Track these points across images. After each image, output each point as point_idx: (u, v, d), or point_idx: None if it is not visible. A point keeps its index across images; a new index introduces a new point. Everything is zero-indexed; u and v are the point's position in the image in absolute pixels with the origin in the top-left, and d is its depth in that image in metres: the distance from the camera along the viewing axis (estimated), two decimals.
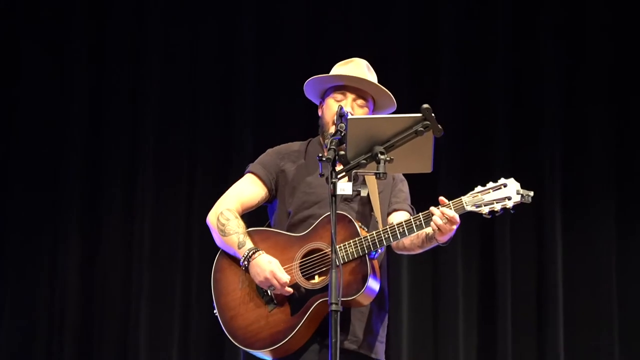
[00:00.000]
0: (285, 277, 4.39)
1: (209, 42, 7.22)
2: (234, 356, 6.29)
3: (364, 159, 4.03)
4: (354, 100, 4.57)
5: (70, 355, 6.82)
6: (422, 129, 4.01)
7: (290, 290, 4.41)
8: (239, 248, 4.51)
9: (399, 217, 4.48)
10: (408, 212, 4.57)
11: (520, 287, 6.58)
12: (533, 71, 6.97)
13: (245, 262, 4.47)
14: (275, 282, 4.36)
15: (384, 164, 3.96)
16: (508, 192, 4.29)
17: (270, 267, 4.42)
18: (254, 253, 4.47)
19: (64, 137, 7.21)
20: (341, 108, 4.41)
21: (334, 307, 3.82)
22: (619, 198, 6.68)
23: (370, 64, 4.76)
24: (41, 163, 7.23)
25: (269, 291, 4.47)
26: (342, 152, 4.02)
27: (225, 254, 4.61)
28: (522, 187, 4.25)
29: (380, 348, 4.54)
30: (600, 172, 6.69)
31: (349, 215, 4.41)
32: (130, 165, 7.06)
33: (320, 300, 4.27)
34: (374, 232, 4.34)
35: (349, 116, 4.30)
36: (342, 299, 4.06)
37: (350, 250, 4.34)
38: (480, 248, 6.70)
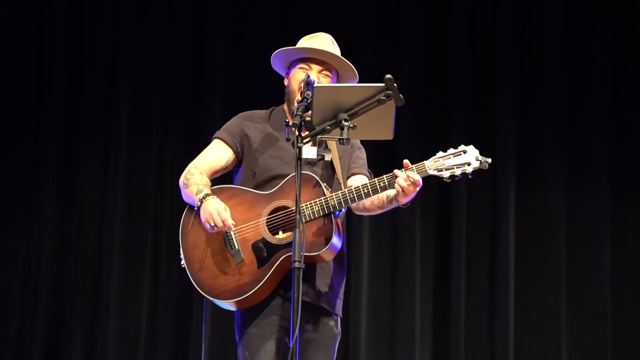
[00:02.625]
0: (227, 216, 4.48)
1: (182, 17, 7.18)
2: (200, 307, 6.22)
3: (328, 125, 4.11)
4: (319, 72, 4.65)
5: (45, 305, 6.85)
6: (384, 98, 4.09)
7: (232, 227, 4.48)
8: (196, 195, 4.58)
9: (357, 180, 4.59)
10: (366, 176, 4.63)
11: (474, 249, 6.65)
12: (489, 40, 6.98)
13: (199, 204, 4.54)
14: (217, 218, 4.44)
15: (348, 130, 4.03)
16: (468, 158, 4.39)
17: (216, 206, 4.51)
18: (205, 197, 4.55)
19: (42, 101, 7.15)
20: (308, 76, 4.47)
21: (297, 264, 3.91)
22: (570, 166, 6.72)
23: (335, 37, 4.81)
24: (21, 125, 7.20)
25: (235, 244, 4.52)
26: (307, 119, 4.11)
27: (189, 213, 4.67)
28: (480, 154, 4.33)
29: (338, 304, 4.65)
30: (553, 140, 6.73)
31: (315, 177, 4.50)
32: (105, 125, 7.06)
33: (285, 255, 4.35)
34: (339, 192, 4.42)
35: (316, 84, 4.37)
36: (308, 254, 4.24)
37: (317, 208, 4.43)
38: (438, 212, 6.76)
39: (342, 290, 4.73)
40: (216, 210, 4.47)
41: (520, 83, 6.91)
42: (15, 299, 6.95)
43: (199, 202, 4.52)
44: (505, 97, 6.85)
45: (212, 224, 4.45)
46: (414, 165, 4.33)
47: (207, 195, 4.54)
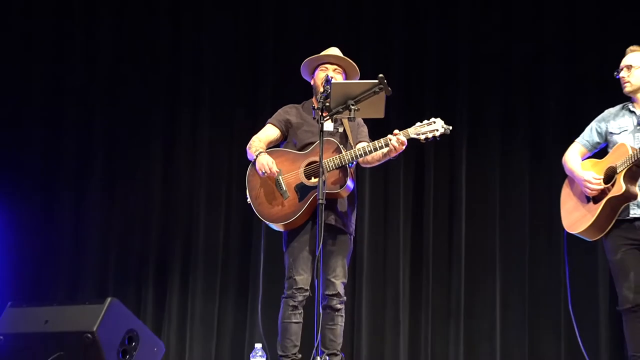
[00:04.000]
0: (272, 165, 5.09)
1: (228, 43, 7.67)
2: (259, 230, 6.82)
3: (341, 108, 4.75)
4: (333, 70, 5.30)
5: (157, 226, 7.47)
6: (378, 90, 4.71)
7: (276, 173, 5.08)
8: (254, 153, 5.22)
9: (363, 144, 5.14)
10: (368, 142, 5.21)
11: (439, 188, 7.26)
12: (450, 38, 7.47)
13: (255, 158, 5.17)
14: (266, 167, 5.07)
15: (353, 111, 4.68)
16: (437, 126, 5.09)
17: (265, 159, 5.12)
18: (260, 154, 5.17)
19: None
20: (327, 76, 5.18)
21: (320, 201, 4.53)
22: (502, 130, 7.32)
23: (345, 46, 5.57)
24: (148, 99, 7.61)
25: (283, 186, 5.11)
26: (327, 104, 4.73)
27: (252, 165, 5.25)
28: (445, 124, 5.10)
29: (351, 226, 5.28)
30: (491, 116, 7.34)
31: (336, 142, 5.11)
32: (195, 112, 7.62)
33: (316, 193, 4.76)
34: (351, 150, 5.06)
35: (332, 81, 4.94)
36: (330, 192, 4.97)
37: (337, 161, 5.04)
38: (415, 164, 7.34)
39: (354, 217, 5.32)
40: (265, 161, 5.11)
41: (471, 77, 7.37)
42: (137, 232, 7.52)
43: (255, 157, 5.18)
44: (460, 88, 7.38)
45: (263, 171, 5.09)
46: (401, 132, 5.03)
47: (260, 152, 5.18)
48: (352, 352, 6.94)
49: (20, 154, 7.51)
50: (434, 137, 5.10)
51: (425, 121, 5.13)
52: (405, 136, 5.03)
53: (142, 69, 7.76)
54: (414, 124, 5.12)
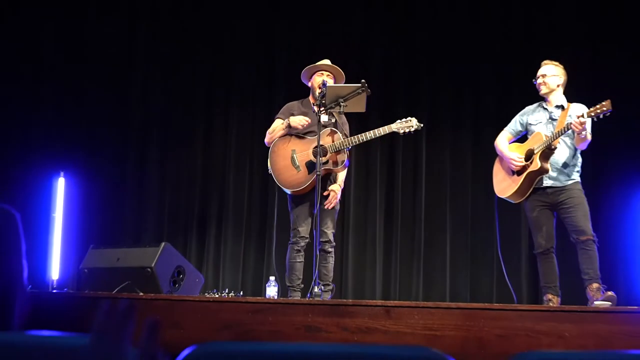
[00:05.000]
0: (303, 119, 5.17)
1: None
2: (274, 194, 6.08)
3: (333, 104, 4.96)
4: (327, 75, 5.34)
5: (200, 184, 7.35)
6: (360, 91, 4.92)
7: (309, 121, 5.15)
8: (282, 124, 5.26)
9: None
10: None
11: (406, 165, 7.18)
12: (407, 51, 7.29)
13: (287, 123, 5.20)
14: (302, 120, 5.17)
15: (343, 107, 4.94)
16: (412, 123, 5.19)
17: (298, 117, 5.24)
18: (289, 120, 5.24)
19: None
20: (324, 81, 5.27)
21: (319, 174, 4.85)
22: (452, 124, 7.23)
23: (339, 59, 5.61)
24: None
25: (296, 161, 5.13)
26: (323, 101, 4.96)
27: (274, 146, 5.25)
28: (418, 121, 5.21)
29: (340, 192, 5.31)
30: (445, 111, 7.24)
31: (337, 131, 5.13)
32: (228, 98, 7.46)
33: (323, 167, 4.96)
34: (348, 138, 5.13)
35: (327, 84, 5.14)
36: (333, 168, 5.12)
37: (338, 145, 5.11)
38: (390, 149, 7.24)
39: (342, 185, 5.39)
40: (299, 119, 5.21)
41: (430, 83, 7.26)
42: (183, 192, 7.40)
43: (287, 122, 5.20)
44: (422, 91, 7.27)
45: (302, 124, 5.15)
46: (385, 127, 5.14)
47: (287, 120, 5.23)
48: (341, 283, 6.90)
49: (93, 129, 7.26)
50: (409, 131, 5.16)
51: (404, 119, 5.18)
52: (389, 129, 5.13)
53: (191, 65, 7.57)
54: (395, 121, 5.20)
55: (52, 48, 7.23)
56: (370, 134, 5.07)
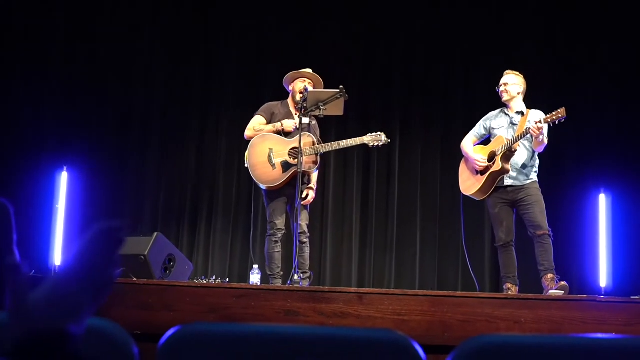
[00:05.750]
0: (293, 123, 5.15)
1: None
2: (250, 188, 6.38)
3: (313, 108, 4.98)
4: (307, 82, 5.32)
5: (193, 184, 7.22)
6: (338, 96, 4.98)
7: (297, 122, 5.04)
8: (274, 127, 5.20)
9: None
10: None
11: (380, 165, 7.11)
12: (382, 67, 7.22)
13: (280, 125, 5.17)
14: (293, 123, 5.12)
15: (322, 110, 4.96)
16: (381, 138, 5.24)
17: (289, 121, 5.19)
18: (281, 123, 5.19)
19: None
20: (305, 86, 5.24)
21: (300, 171, 4.88)
22: (424, 131, 7.18)
23: (320, 69, 5.54)
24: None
25: (273, 159, 5.10)
26: (304, 105, 5.00)
27: (253, 141, 5.19)
28: (386, 136, 5.24)
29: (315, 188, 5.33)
30: (416, 116, 7.20)
31: (312, 136, 5.11)
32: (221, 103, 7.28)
33: (296, 168, 5.00)
34: (323, 144, 5.18)
35: (309, 89, 5.17)
36: (308, 170, 5.11)
37: (314, 149, 5.10)
38: (364, 161, 7.22)
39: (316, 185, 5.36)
40: (291, 122, 5.17)
41: (401, 93, 7.23)
42: (177, 186, 7.23)
43: (281, 124, 5.17)
44: (394, 97, 7.24)
45: (295, 126, 5.09)
46: (357, 138, 5.20)
47: (281, 123, 5.20)
48: (320, 274, 6.82)
49: (94, 127, 7.15)
50: (378, 145, 5.21)
51: (375, 133, 5.22)
52: (361, 141, 5.18)
53: (193, 76, 7.47)
54: (366, 134, 5.24)
55: (56, 47, 7.15)
56: (343, 143, 5.11)
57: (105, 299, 1.10)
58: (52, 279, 1.07)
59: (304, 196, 5.06)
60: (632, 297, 4.29)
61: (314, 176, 5.32)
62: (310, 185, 5.22)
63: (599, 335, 1.35)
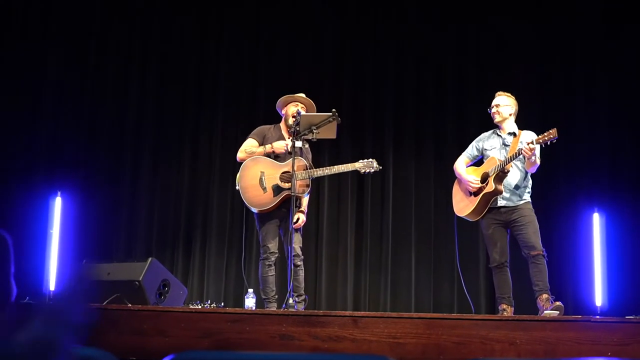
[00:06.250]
0: (285, 145, 5.12)
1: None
2: (241, 211, 6.18)
3: (306, 131, 4.92)
4: (299, 106, 5.32)
5: (187, 198, 7.20)
6: (331, 120, 4.91)
7: (288, 143, 5.07)
8: (265, 149, 5.19)
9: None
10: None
11: (375, 188, 7.11)
12: (376, 82, 7.26)
13: (271, 146, 5.16)
14: (285, 145, 5.12)
15: (315, 134, 4.89)
16: (373, 165, 5.22)
17: (280, 142, 5.19)
18: (271, 144, 5.20)
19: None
20: (298, 110, 5.22)
21: (294, 194, 4.79)
22: (417, 153, 7.16)
23: (311, 92, 5.57)
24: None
25: (264, 183, 5.07)
26: (297, 128, 4.94)
27: (245, 165, 5.15)
28: (377, 163, 5.22)
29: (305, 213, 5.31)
30: (409, 138, 7.17)
31: (304, 160, 5.10)
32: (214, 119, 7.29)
33: (287, 192, 4.99)
34: (315, 169, 5.13)
35: (302, 113, 5.13)
36: (298, 194, 4.98)
37: (305, 174, 5.08)
38: (358, 187, 7.21)
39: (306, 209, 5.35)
40: (283, 143, 5.17)
41: (394, 112, 7.21)
42: (171, 211, 7.22)
43: (271, 146, 5.17)
44: (387, 117, 7.22)
45: (288, 148, 5.07)
46: (349, 164, 5.20)
47: (271, 145, 5.19)
48: (315, 295, 6.81)
49: (87, 153, 7.21)
50: (369, 171, 5.20)
51: (366, 159, 5.22)
52: (353, 167, 5.18)
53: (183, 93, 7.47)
54: (358, 160, 5.25)
55: (47, 76, 7.23)
56: (335, 169, 5.11)
57: (85, 336, 1.10)
58: (38, 321, 1.08)
59: (294, 220, 5.00)
60: (626, 317, 4.29)
61: (305, 200, 5.30)
62: (301, 209, 5.21)
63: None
